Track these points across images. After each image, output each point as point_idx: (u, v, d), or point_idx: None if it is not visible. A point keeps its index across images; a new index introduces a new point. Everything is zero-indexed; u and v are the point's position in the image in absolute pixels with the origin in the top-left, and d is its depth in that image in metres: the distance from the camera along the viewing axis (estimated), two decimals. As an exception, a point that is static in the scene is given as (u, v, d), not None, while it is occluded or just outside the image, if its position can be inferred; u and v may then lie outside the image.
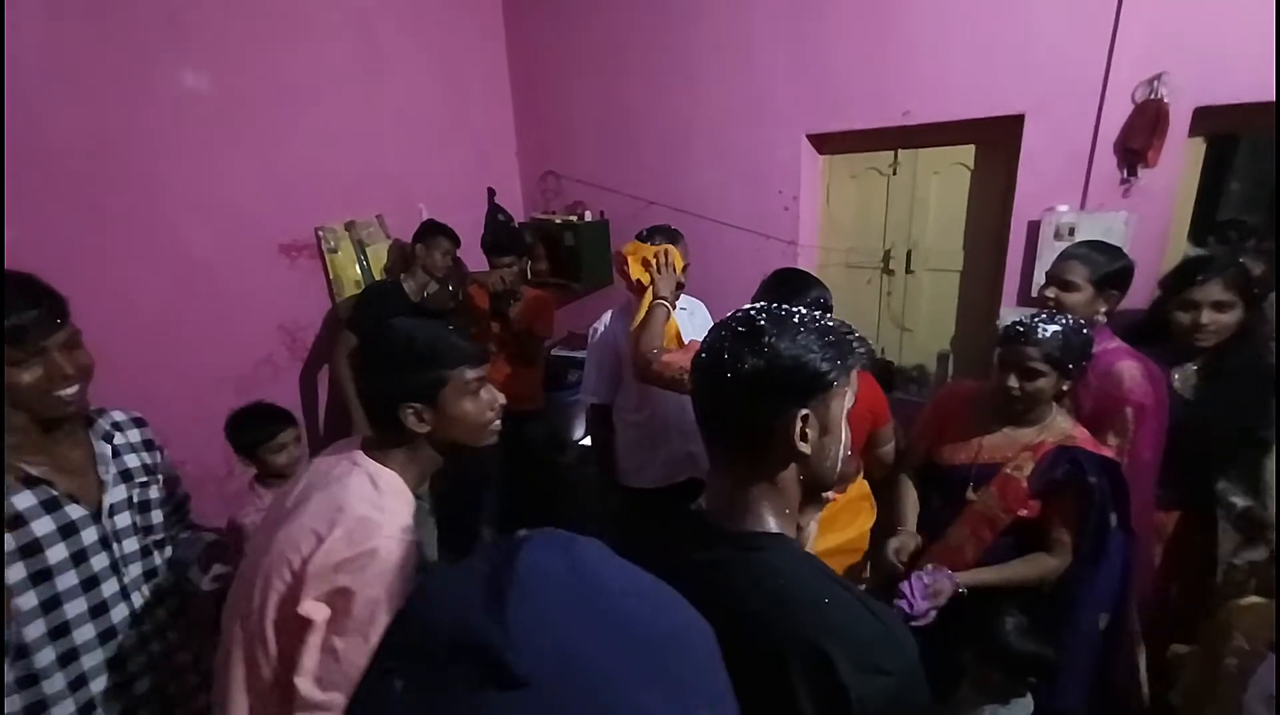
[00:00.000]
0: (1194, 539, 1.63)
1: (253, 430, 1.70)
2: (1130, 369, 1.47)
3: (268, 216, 2.51)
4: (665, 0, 2.73)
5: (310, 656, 0.81)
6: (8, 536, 0.97)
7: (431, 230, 2.56)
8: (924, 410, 1.65)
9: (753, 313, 0.72)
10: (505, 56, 3.33)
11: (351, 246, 2.64)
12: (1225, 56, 1.75)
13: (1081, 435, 1.38)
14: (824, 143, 2.60)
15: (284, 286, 2.61)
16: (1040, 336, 1.29)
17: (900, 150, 2.48)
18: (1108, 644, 1.39)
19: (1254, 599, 1.13)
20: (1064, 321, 1.31)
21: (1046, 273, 1.59)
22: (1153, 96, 1.84)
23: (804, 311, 0.72)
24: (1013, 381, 1.33)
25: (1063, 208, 2.04)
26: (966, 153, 2.36)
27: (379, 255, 2.76)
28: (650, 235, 1.86)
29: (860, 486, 1.66)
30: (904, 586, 1.32)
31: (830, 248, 2.72)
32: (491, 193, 3.32)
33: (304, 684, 0.80)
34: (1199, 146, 1.96)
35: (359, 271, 2.66)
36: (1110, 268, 1.51)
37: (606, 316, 2.04)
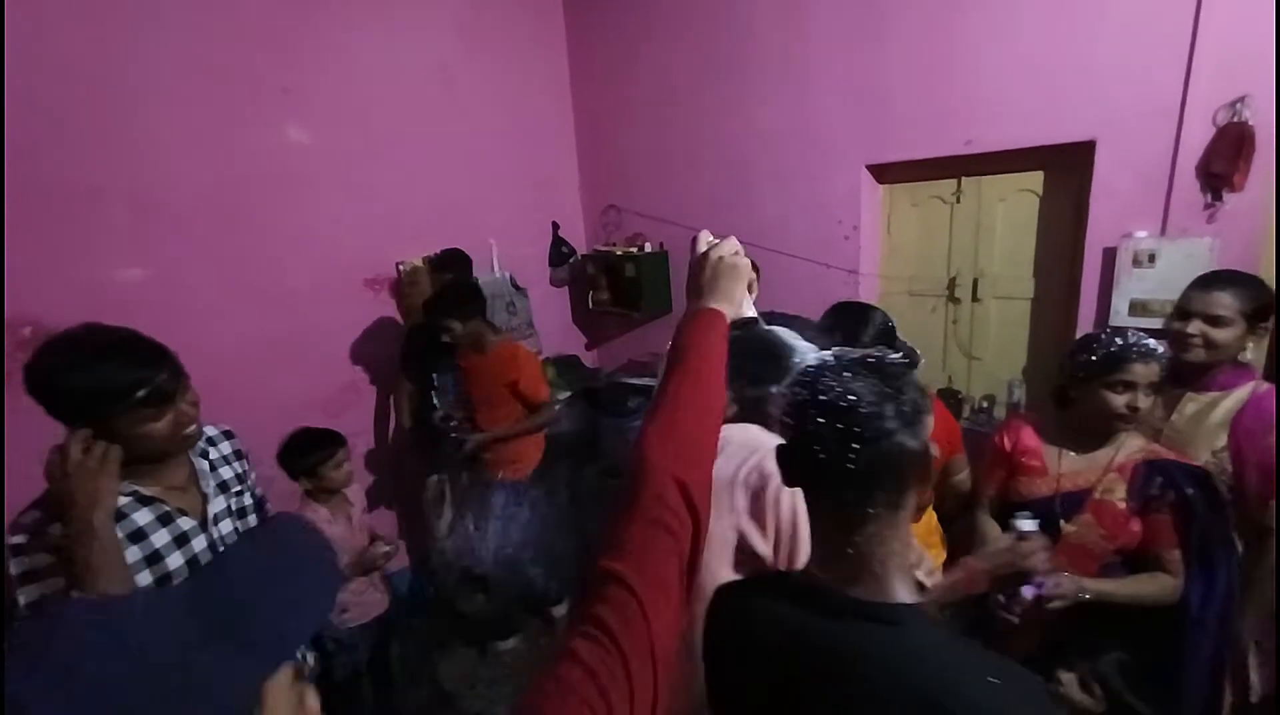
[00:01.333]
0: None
1: (316, 452, 1.87)
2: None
3: (355, 253, 2.74)
4: (720, 32, 2.84)
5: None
6: (133, 547, 1.09)
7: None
8: (990, 444, 1.60)
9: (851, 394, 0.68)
10: (569, 95, 3.52)
11: (428, 278, 2.82)
12: (1316, 76, 1.69)
13: (1159, 448, 1.34)
14: (884, 172, 2.61)
15: (366, 317, 2.81)
16: (1157, 352, 1.32)
17: (964, 178, 2.46)
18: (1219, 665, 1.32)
19: None
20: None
21: (1179, 306, 1.48)
22: (1235, 119, 1.78)
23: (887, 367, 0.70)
24: (1139, 399, 1.31)
25: (1141, 233, 1.98)
26: (1034, 179, 2.32)
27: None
28: None
29: (930, 520, 1.64)
30: (1029, 587, 1.26)
31: (892, 276, 2.71)
32: (556, 226, 3.48)
33: None
34: (1290, 168, 1.87)
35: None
36: (1264, 299, 1.42)
37: None
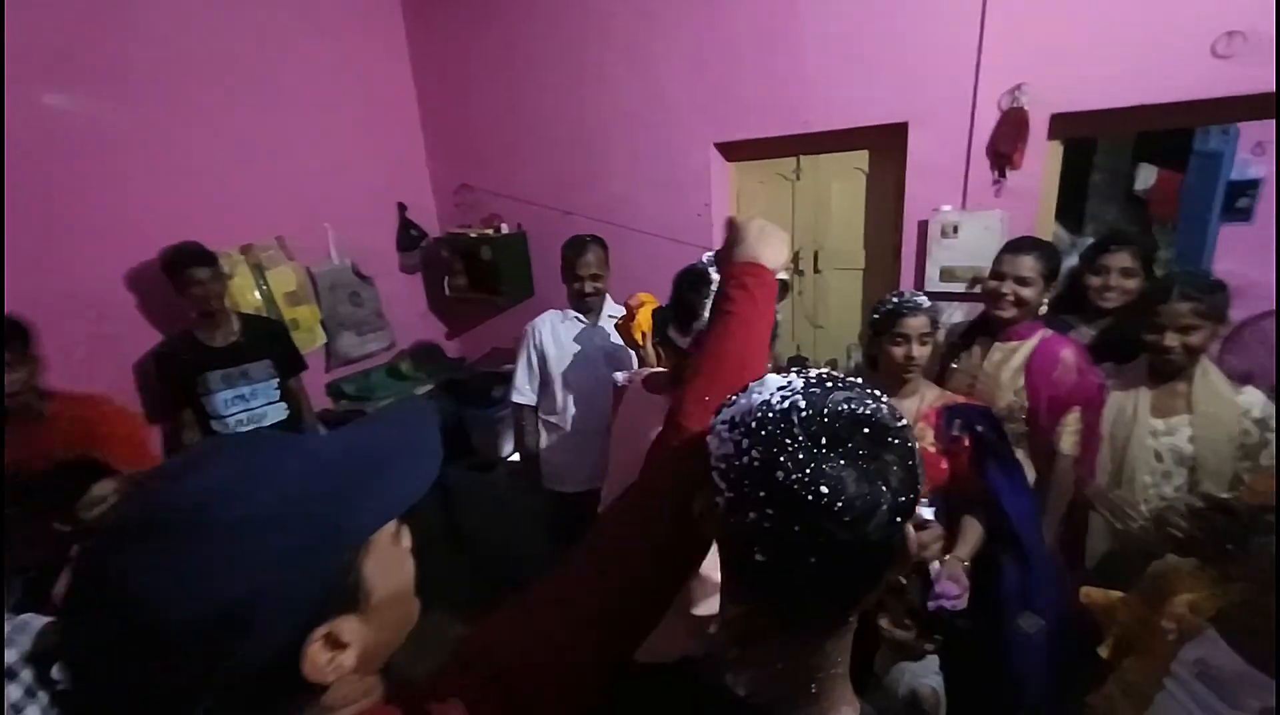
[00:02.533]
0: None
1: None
2: (1072, 355, 1.64)
3: (160, 241, 2.33)
4: (567, 8, 2.75)
5: None
6: None
7: (181, 259, 2.07)
8: None
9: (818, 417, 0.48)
10: (410, 68, 3.25)
11: (249, 271, 2.49)
12: (1077, 68, 1.95)
13: (954, 395, 1.56)
14: (731, 151, 2.69)
15: (177, 314, 2.43)
16: (924, 306, 1.51)
17: (802, 157, 2.60)
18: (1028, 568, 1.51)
19: (1193, 568, 1.11)
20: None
21: (994, 269, 1.71)
22: (1015, 105, 2.02)
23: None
24: (914, 349, 1.49)
25: (947, 208, 2.21)
26: (861, 158, 2.50)
27: (284, 279, 2.61)
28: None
29: None
30: (942, 588, 1.36)
31: (743, 252, 2.82)
32: (402, 208, 3.23)
33: None
34: (1058, 149, 2.17)
35: (259, 297, 2.51)
36: (1056, 262, 1.69)
37: (546, 318, 2.21)
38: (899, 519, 0.47)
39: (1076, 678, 1.26)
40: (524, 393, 2.21)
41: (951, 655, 1.46)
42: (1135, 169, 5.00)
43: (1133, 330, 1.60)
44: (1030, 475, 1.70)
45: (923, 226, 2.27)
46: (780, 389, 0.51)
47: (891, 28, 2.17)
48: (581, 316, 2.19)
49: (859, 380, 0.53)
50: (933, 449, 1.49)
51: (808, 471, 0.46)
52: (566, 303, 2.23)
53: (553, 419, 2.20)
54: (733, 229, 0.86)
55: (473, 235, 3.08)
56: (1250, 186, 3.77)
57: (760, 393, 0.52)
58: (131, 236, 2.27)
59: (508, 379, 3.01)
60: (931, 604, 1.35)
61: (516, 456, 2.67)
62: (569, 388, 2.16)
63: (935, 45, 2.12)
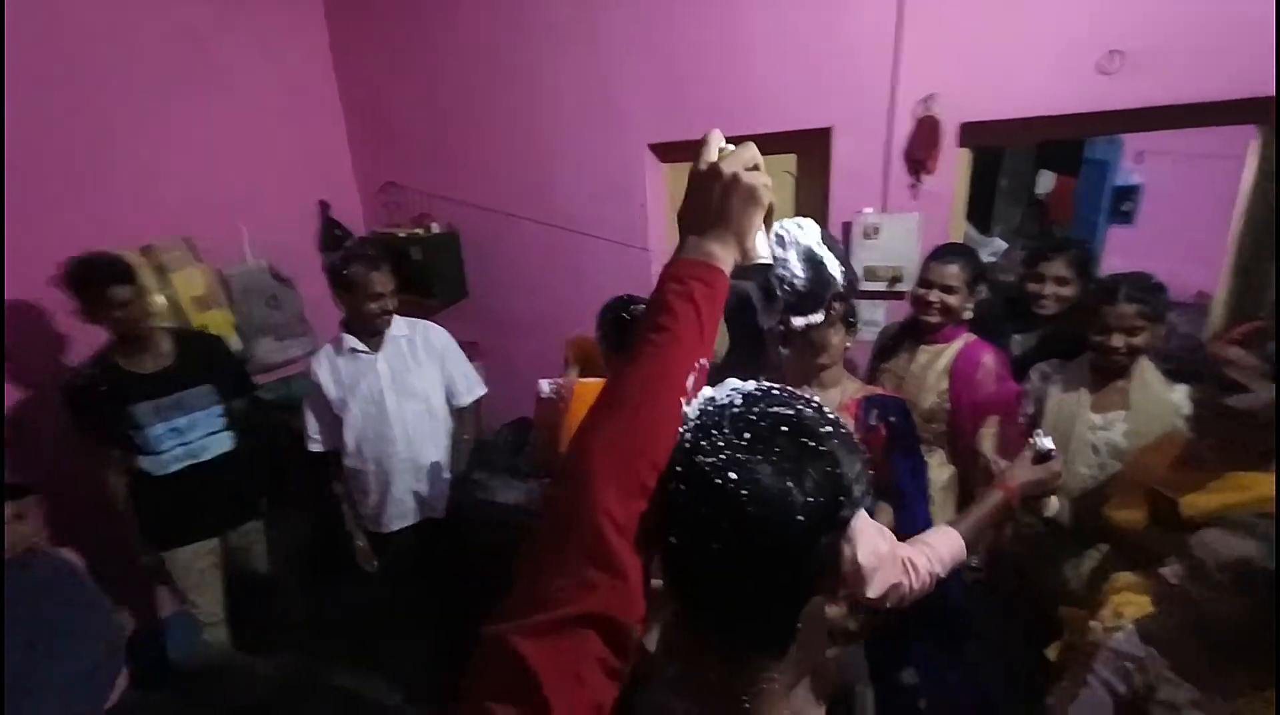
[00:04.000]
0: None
1: None
2: (993, 361, 1.73)
3: (48, 243, 2.13)
4: (505, 3, 2.69)
5: None
6: None
7: (94, 276, 1.76)
8: None
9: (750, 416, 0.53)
10: (330, 60, 3.10)
11: (151, 274, 2.30)
12: (983, 81, 2.07)
13: (873, 387, 1.61)
14: (665, 152, 2.72)
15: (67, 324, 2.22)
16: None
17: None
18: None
19: (1134, 579, 1.16)
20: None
21: (922, 276, 1.81)
22: (928, 113, 2.14)
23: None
24: (836, 337, 1.47)
25: (869, 210, 2.31)
26: (790, 162, 2.58)
27: (191, 283, 2.43)
28: None
29: None
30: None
31: (679, 252, 2.85)
32: (325, 206, 3.08)
33: None
34: (967, 155, 2.31)
35: (163, 302, 2.33)
36: (979, 269, 1.78)
37: (322, 357, 2.01)
38: (817, 527, 0.48)
39: (1033, 681, 1.31)
40: (315, 439, 2.05)
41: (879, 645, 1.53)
42: (1037, 174, 5.42)
43: (1073, 331, 1.70)
44: (947, 472, 1.82)
45: (847, 228, 2.37)
46: (733, 389, 0.57)
47: (816, 35, 2.24)
48: (362, 346, 1.98)
49: (810, 395, 0.58)
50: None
51: (722, 457, 0.49)
52: (345, 328, 1.99)
53: (352, 462, 2.04)
54: (696, 164, 0.66)
55: (401, 235, 2.98)
56: (1132, 192, 4.17)
57: (717, 390, 0.59)
58: (19, 237, 2.07)
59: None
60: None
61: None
62: (362, 426, 2.01)
63: (856, 53, 2.21)
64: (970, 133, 2.18)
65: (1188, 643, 0.97)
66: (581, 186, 2.77)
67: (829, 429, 0.53)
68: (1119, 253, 4.06)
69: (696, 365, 0.59)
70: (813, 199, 2.54)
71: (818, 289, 1.00)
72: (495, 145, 2.90)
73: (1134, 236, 4.05)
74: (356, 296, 1.90)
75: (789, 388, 0.59)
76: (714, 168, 0.64)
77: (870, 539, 0.98)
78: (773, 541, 0.48)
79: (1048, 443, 1.30)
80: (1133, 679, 1.00)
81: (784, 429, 0.51)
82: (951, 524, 1.15)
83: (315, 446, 2.05)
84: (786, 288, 1.02)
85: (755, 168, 0.66)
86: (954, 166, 2.22)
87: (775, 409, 0.53)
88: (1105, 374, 1.65)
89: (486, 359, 3.12)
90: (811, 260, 1.01)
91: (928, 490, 1.64)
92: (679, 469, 0.51)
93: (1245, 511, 1.02)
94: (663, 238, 2.82)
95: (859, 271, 2.33)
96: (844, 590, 0.87)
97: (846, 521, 0.51)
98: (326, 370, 1.98)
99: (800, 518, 0.47)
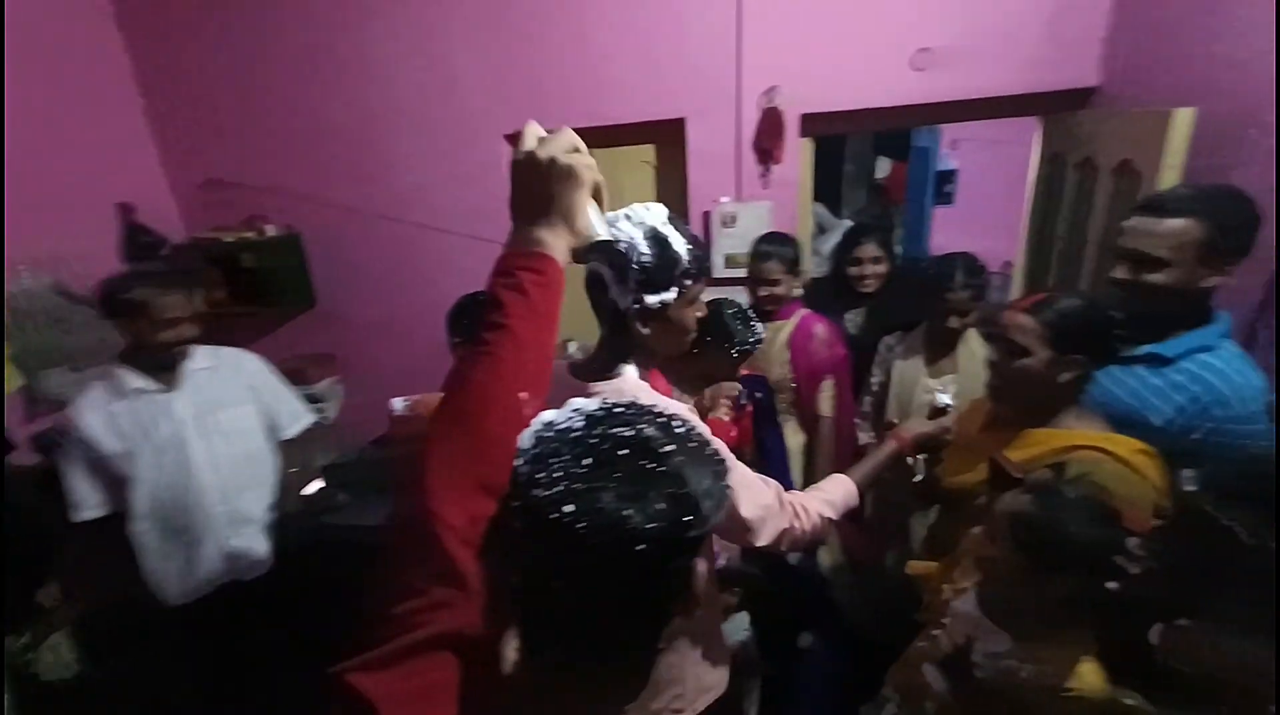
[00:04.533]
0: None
1: None
2: (821, 332, 1.93)
3: None
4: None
5: None
6: None
7: None
8: None
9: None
10: (121, 44, 2.64)
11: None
12: (818, 73, 2.20)
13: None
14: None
15: None
16: None
17: (594, 150, 2.62)
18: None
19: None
20: None
21: (749, 272, 2.02)
22: (771, 105, 2.24)
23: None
24: (695, 315, 1.61)
25: (725, 199, 2.39)
26: (649, 152, 2.60)
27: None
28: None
29: None
30: None
31: (546, 246, 2.78)
32: (126, 210, 2.64)
33: None
34: (810, 145, 2.45)
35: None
36: (793, 254, 1.98)
37: (91, 401, 1.65)
38: (664, 553, 0.47)
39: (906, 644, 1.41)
40: (85, 505, 1.67)
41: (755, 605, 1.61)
42: (875, 161, 5.96)
43: (896, 303, 2.02)
44: (799, 439, 1.98)
45: (707, 217, 2.44)
46: (575, 411, 0.55)
47: (664, 25, 2.26)
48: (150, 383, 1.69)
49: (658, 407, 0.56)
50: (726, 418, 1.64)
51: (558, 489, 0.47)
52: (124, 362, 1.69)
53: (144, 527, 1.70)
54: (515, 156, 0.67)
55: (229, 240, 2.63)
56: (951, 176, 4.70)
57: (558, 413, 0.56)
58: None
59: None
60: None
61: (309, 489, 2.37)
62: (156, 481, 1.68)
63: (702, 45, 2.25)
64: (810, 123, 2.32)
65: (998, 599, 1.09)
66: (434, 180, 2.60)
67: (672, 447, 0.51)
68: (943, 230, 4.58)
69: (537, 358, 0.59)
70: (673, 189, 2.58)
71: (664, 265, 1.01)
72: (337, 137, 2.64)
73: (954, 215, 4.58)
74: (141, 325, 1.60)
75: (638, 402, 0.57)
76: (530, 156, 0.65)
77: (754, 493, 1.04)
78: (617, 572, 0.47)
79: (945, 398, 1.43)
80: (957, 635, 1.11)
81: (624, 452, 0.49)
82: (847, 472, 1.23)
83: (88, 513, 1.66)
84: (635, 266, 1.02)
85: (576, 150, 0.67)
86: (797, 156, 2.35)
87: (616, 430, 0.51)
88: (938, 342, 1.88)
89: (345, 371, 2.87)
90: (656, 238, 1.02)
91: (787, 457, 1.80)
92: (516, 503, 0.50)
93: (1041, 464, 1.17)
94: (528, 232, 2.74)
95: (720, 259, 2.40)
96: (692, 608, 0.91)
97: (697, 543, 0.50)
98: (99, 418, 1.62)
99: (642, 546, 0.45)
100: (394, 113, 2.56)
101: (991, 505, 1.12)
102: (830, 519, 1.14)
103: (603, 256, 0.86)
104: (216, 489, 1.75)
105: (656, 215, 1.06)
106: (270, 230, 2.72)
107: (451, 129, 2.54)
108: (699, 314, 1.14)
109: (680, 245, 1.05)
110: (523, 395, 0.58)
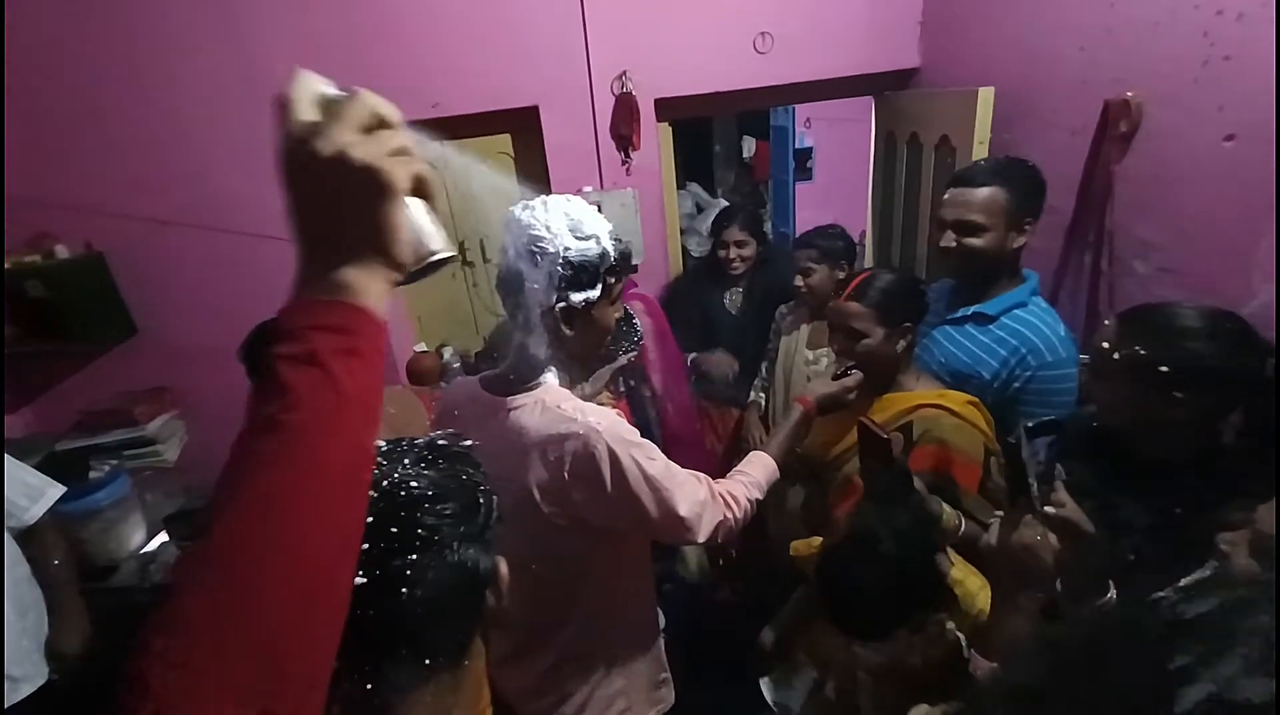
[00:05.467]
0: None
1: None
2: (637, 308, 1.88)
3: None
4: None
5: None
6: None
7: None
8: None
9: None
10: None
11: None
12: (666, 57, 2.20)
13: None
14: (365, 138, 2.41)
15: None
16: None
17: (446, 142, 2.47)
18: None
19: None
20: None
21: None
22: (625, 90, 2.21)
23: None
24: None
25: (588, 188, 2.34)
26: (505, 142, 2.49)
27: None
28: None
29: None
30: None
31: (405, 248, 2.60)
32: None
33: None
34: (668, 129, 2.46)
35: None
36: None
37: None
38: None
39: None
40: None
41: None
42: (741, 140, 6.17)
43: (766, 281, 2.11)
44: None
45: (572, 207, 2.37)
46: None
47: (508, 10, 2.15)
48: None
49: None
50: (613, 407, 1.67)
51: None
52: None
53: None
54: (295, 173, 0.44)
55: (8, 266, 2.21)
56: (808, 153, 4.95)
57: None
58: None
59: (109, 451, 2.32)
60: None
61: (151, 546, 2.08)
62: None
63: (550, 31, 2.17)
64: (664, 108, 2.31)
65: None
66: (262, 183, 2.28)
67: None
68: (806, 205, 4.84)
69: (348, 473, 0.39)
70: (533, 180, 2.49)
71: (591, 261, 0.98)
72: (134, 136, 2.27)
73: (814, 190, 4.84)
74: None
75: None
76: (304, 144, 0.42)
77: (689, 490, 1.03)
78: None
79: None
80: None
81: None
82: (764, 447, 1.25)
83: None
84: (560, 263, 0.97)
85: (382, 126, 0.44)
86: (655, 141, 2.34)
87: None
88: (812, 314, 1.97)
89: (181, 406, 2.53)
90: (581, 231, 0.98)
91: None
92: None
93: (894, 425, 1.27)
94: (382, 234, 2.54)
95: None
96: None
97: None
98: None
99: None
100: (203, 110, 2.24)
101: (863, 473, 1.20)
102: (759, 501, 1.15)
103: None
104: None
105: (578, 206, 1.01)
106: (62, 251, 2.31)
107: (271, 124, 2.26)
108: (617, 314, 1.09)
109: (606, 239, 1.01)
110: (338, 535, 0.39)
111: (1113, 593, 0.86)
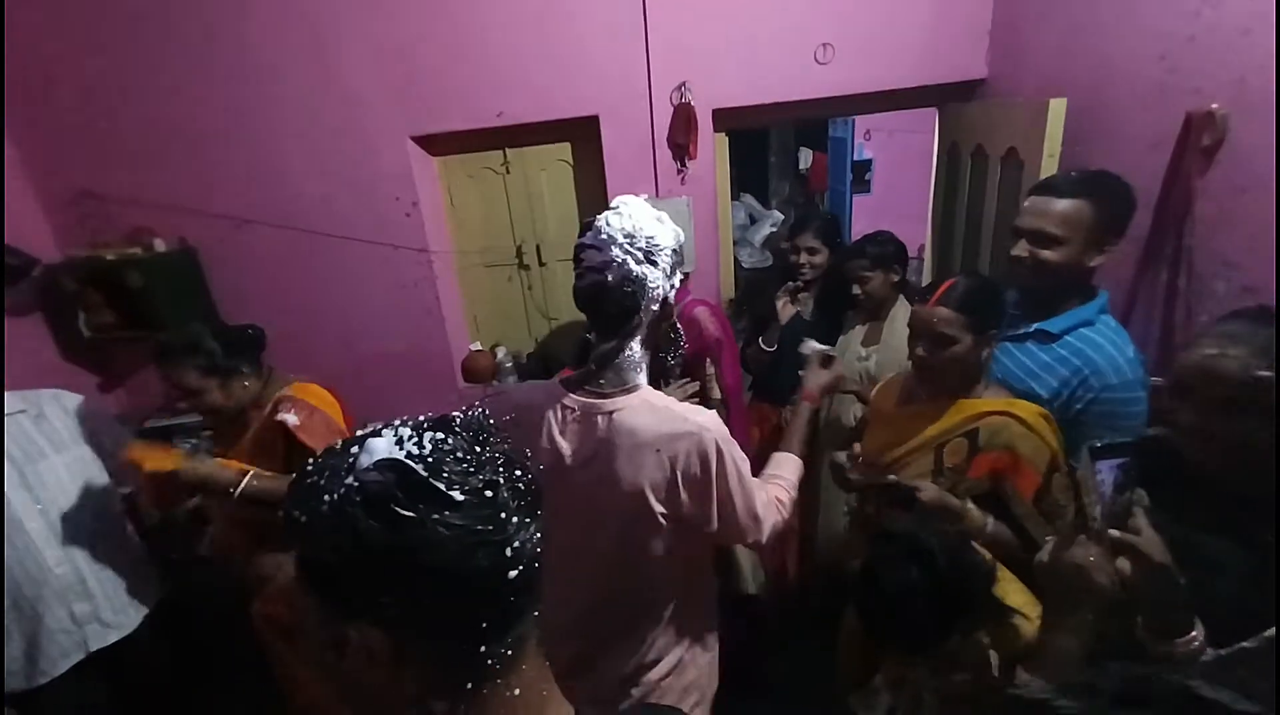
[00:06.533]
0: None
1: None
2: (703, 314, 1.94)
3: None
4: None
5: None
6: None
7: None
8: None
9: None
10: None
11: None
12: (726, 68, 2.22)
13: None
14: (432, 144, 2.53)
15: None
16: None
17: (509, 149, 2.57)
18: None
19: None
20: None
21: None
22: (683, 101, 2.25)
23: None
24: None
25: (645, 196, 2.37)
26: (565, 150, 2.56)
27: None
28: None
29: None
30: None
31: (465, 251, 2.70)
32: (-14, 229, 2.38)
33: None
34: (724, 139, 2.48)
35: None
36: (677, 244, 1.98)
37: None
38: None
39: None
40: None
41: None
42: (798, 152, 6.11)
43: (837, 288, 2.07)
44: None
45: (627, 214, 2.42)
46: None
47: (570, 22, 2.22)
48: None
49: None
50: None
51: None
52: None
53: None
54: None
55: (110, 257, 2.42)
56: (867, 165, 4.87)
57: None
58: None
59: (191, 431, 2.49)
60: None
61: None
62: None
63: (611, 41, 2.23)
64: (721, 118, 2.34)
65: None
66: (338, 186, 2.46)
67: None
68: (862, 218, 4.75)
69: None
70: (591, 187, 2.56)
71: (677, 253, 1.07)
72: (226, 143, 2.45)
73: (872, 202, 4.75)
74: None
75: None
76: None
77: (760, 492, 1.10)
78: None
79: (812, 345, 1.53)
80: None
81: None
82: (783, 448, 1.27)
83: None
84: (670, 254, 1.04)
85: None
86: (711, 151, 2.36)
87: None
88: (868, 315, 2.00)
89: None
90: (664, 224, 1.07)
91: None
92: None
93: (958, 431, 1.27)
94: (444, 237, 2.65)
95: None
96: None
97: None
98: None
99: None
100: (286, 117, 2.40)
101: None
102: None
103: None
104: (50, 551, 1.56)
105: (644, 204, 1.07)
106: (160, 245, 2.52)
107: (349, 132, 2.40)
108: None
109: (675, 232, 1.06)
110: None
111: (1198, 632, 0.81)
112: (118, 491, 1.74)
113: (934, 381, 1.34)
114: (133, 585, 1.72)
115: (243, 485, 1.43)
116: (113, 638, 1.65)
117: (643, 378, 1.07)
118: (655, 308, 1.03)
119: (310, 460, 0.49)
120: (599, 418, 1.04)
